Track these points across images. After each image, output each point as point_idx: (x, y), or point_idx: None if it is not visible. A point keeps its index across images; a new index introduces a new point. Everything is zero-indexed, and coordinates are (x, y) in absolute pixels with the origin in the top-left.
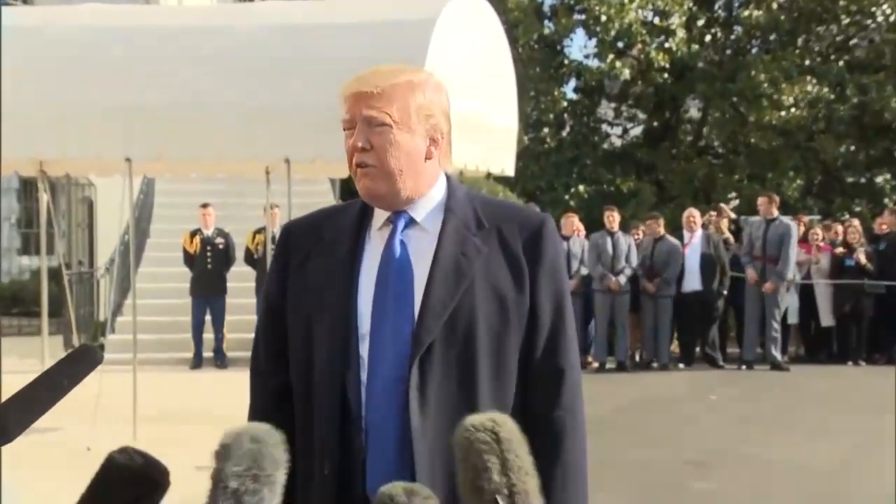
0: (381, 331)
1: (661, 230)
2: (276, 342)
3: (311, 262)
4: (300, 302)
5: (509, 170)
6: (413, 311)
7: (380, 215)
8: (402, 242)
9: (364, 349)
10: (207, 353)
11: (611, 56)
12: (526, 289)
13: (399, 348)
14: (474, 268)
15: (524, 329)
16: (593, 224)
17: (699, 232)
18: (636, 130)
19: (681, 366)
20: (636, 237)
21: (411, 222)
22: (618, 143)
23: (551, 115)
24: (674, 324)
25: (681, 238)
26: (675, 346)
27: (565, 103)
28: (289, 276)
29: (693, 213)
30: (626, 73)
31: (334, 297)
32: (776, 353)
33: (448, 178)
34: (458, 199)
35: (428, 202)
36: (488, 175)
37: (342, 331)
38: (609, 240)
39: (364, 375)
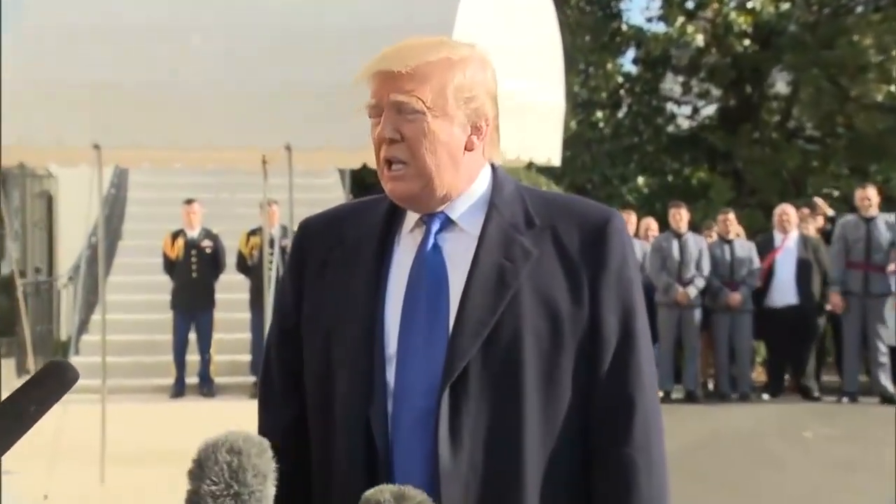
0: (410, 352)
1: (731, 229)
2: (293, 364)
3: (331, 269)
4: (317, 318)
5: (555, 159)
6: (447, 328)
7: (412, 215)
8: (436, 246)
9: (391, 374)
10: (191, 379)
11: (680, 19)
12: (585, 299)
13: (430, 374)
14: (521, 275)
15: (584, 348)
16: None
17: (794, 233)
18: (709, 110)
19: (765, 397)
20: (709, 239)
21: (448, 223)
22: (686, 125)
23: (605, 94)
24: (754, 344)
25: (770, 241)
26: (758, 373)
27: (622, 78)
28: (305, 284)
29: (787, 211)
30: (699, 40)
31: (357, 311)
32: (886, 383)
33: (495, 170)
34: (505, 194)
35: (468, 199)
36: (529, 165)
37: (366, 353)
38: (675, 243)
39: (391, 406)
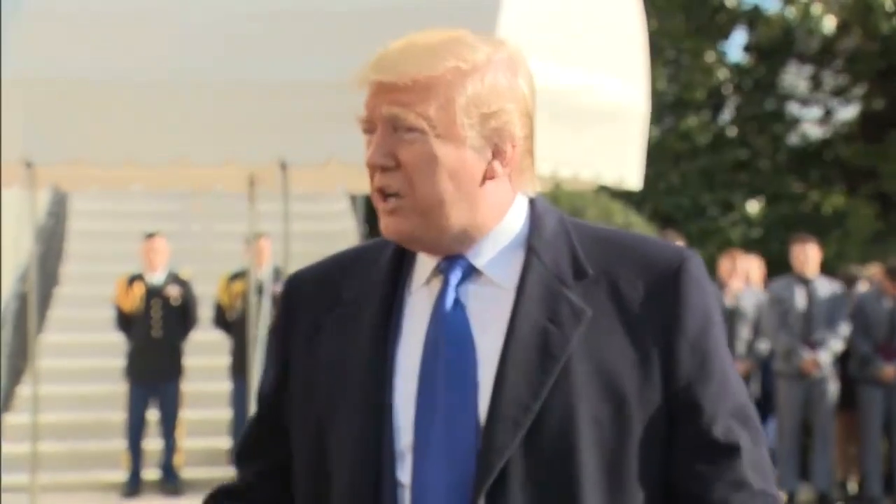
0: (429, 445)
1: None
2: (273, 457)
3: (325, 337)
4: (307, 400)
5: (633, 179)
6: (476, 413)
7: (425, 262)
8: (458, 303)
9: (404, 473)
10: (151, 473)
11: None
12: (655, 371)
13: (457, 473)
14: (571, 342)
15: (657, 434)
16: (774, 266)
17: None
18: (846, 113)
19: None
20: (850, 286)
21: (472, 272)
22: (816, 134)
23: (702, 92)
24: None
25: None
26: None
27: (727, 71)
28: (291, 358)
29: None
30: (831, 22)
31: (357, 392)
32: None
33: (532, 203)
34: (547, 233)
35: (496, 241)
36: (599, 188)
37: (371, 446)
38: (802, 291)
39: None
